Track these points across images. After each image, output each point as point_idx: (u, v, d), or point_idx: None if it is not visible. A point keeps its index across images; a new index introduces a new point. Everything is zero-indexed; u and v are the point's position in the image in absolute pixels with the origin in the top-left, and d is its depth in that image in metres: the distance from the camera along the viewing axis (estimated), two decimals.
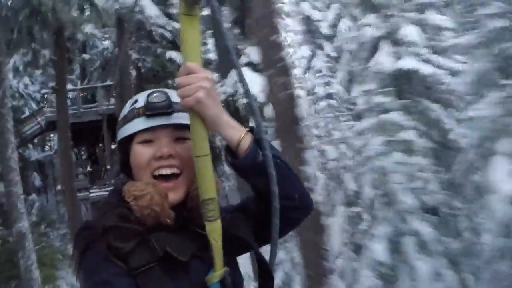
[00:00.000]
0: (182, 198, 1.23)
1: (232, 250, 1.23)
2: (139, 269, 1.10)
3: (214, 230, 1.16)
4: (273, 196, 1.17)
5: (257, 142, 1.18)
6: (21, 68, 17.52)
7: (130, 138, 1.26)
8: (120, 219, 1.16)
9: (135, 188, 1.20)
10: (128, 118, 1.27)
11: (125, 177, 1.32)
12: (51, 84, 15.95)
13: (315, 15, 13.22)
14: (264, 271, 1.26)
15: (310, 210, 1.32)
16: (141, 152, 1.24)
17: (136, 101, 1.28)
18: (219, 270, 1.16)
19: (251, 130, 1.21)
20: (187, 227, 1.23)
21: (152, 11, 13.54)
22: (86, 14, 13.85)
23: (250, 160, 1.16)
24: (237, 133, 1.17)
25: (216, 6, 1.14)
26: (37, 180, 20.51)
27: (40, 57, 12.73)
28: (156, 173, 1.22)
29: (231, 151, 1.19)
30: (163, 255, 1.12)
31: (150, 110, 1.22)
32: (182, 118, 1.22)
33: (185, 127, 1.21)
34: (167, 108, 1.22)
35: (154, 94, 1.24)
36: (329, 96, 10.54)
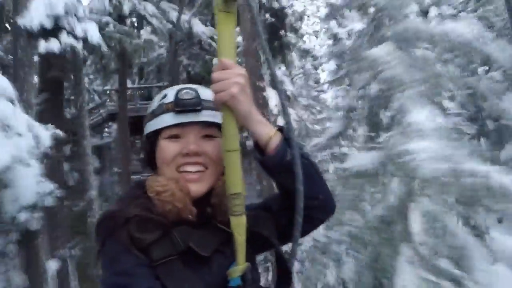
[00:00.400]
0: (205, 191, 1.23)
1: (253, 247, 1.23)
2: (160, 261, 1.10)
3: (239, 224, 1.16)
4: (298, 195, 1.16)
5: (286, 141, 1.18)
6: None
7: (157, 132, 1.26)
8: (143, 210, 1.16)
9: (158, 183, 1.21)
10: (157, 113, 1.27)
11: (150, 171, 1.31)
12: (113, 81, 18.51)
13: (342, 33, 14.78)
14: (283, 270, 1.27)
15: (333, 210, 1.33)
16: (167, 148, 1.24)
17: (165, 96, 1.28)
18: (241, 265, 1.17)
19: (280, 129, 1.21)
20: (209, 223, 1.23)
21: (199, 28, 15.97)
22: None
23: (278, 159, 1.16)
24: (267, 131, 1.17)
25: (253, 3, 1.19)
26: (96, 162, 23.37)
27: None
28: (181, 169, 1.23)
29: (260, 148, 1.19)
30: (185, 249, 1.13)
31: (179, 107, 1.22)
32: (210, 115, 1.23)
33: (213, 125, 1.23)
34: (197, 105, 1.22)
35: (184, 91, 1.24)
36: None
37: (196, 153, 1.22)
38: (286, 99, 1.41)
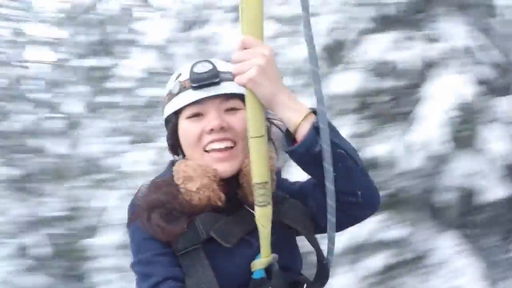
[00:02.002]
0: (235, 170, 1.19)
1: (289, 233, 1.22)
2: (183, 251, 1.10)
3: (264, 215, 1.11)
4: (328, 193, 1.07)
5: (318, 129, 1.04)
6: None
7: (177, 114, 1.20)
8: (168, 199, 1.15)
9: (185, 170, 1.17)
10: (174, 93, 1.20)
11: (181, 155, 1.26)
12: None
13: None
14: (321, 266, 1.22)
15: (375, 207, 1.21)
16: (190, 128, 1.18)
17: (180, 74, 1.22)
18: (265, 257, 1.13)
19: (315, 112, 1.06)
20: (239, 206, 1.18)
21: None
22: None
23: (305, 149, 1.05)
24: (296, 117, 1.06)
25: None
26: None
27: None
28: (208, 148, 1.17)
29: (290, 136, 1.09)
30: (208, 239, 1.11)
31: (196, 82, 1.14)
32: (231, 87, 1.16)
33: (236, 96, 1.17)
34: (214, 78, 1.15)
35: (199, 64, 1.17)
36: None
37: (221, 128, 1.16)
38: (318, 77, 1.08)
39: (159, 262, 1.11)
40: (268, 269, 1.16)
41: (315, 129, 1.05)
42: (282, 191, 1.28)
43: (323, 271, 1.23)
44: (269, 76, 1.03)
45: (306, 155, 1.07)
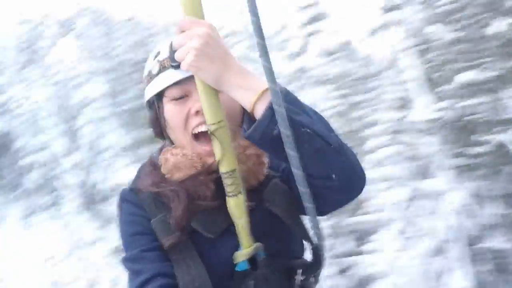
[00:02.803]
0: None
1: (278, 216, 1.13)
2: (170, 244, 1.07)
3: (236, 206, 1.05)
4: (297, 179, 0.96)
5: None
6: None
7: (160, 96, 1.12)
8: (154, 190, 1.11)
9: (172, 160, 1.12)
10: (154, 73, 1.12)
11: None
12: None
13: None
14: (313, 251, 1.15)
15: (356, 190, 1.05)
16: (175, 110, 1.11)
17: (159, 53, 1.13)
18: (246, 248, 1.08)
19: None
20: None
21: None
22: None
23: (260, 134, 0.95)
24: (249, 97, 0.95)
25: None
26: None
27: None
28: (196, 130, 1.10)
29: (250, 117, 0.98)
30: (194, 230, 1.07)
31: (176, 61, 1.02)
32: None
33: None
34: None
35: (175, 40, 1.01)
36: None
37: None
38: (266, 50, 0.92)
39: (147, 258, 1.08)
40: (253, 259, 1.10)
41: (271, 110, 0.93)
42: (273, 169, 1.21)
43: (315, 255, 1.16)
44: (209, 56, 0.96)
45: (263, 139, 0.97)
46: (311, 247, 1.16)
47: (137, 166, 1.26)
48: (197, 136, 1.12)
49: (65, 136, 18.75)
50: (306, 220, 1.16)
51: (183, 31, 0.97)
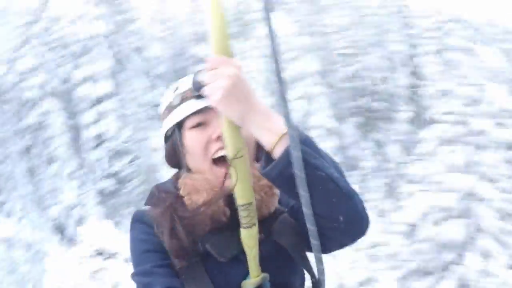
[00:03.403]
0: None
1: (284, 248, 1.19)
2: (183, 264, 1.13)
3: (249, 237, 1.11)
4: (306, 218, 0.99)
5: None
6: None
7: (179, 126, 1.19)
8: (171, 213, 1.15)
9: (192, 183, 1.17)
10: (174, 105, 1.20)
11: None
12: None
13: None
14: (314, 284, 1.22)
15: (360, 233, 1.10)
16: (195, 137, 1.17)
17: (177, 88, 1.22)
18: (254, 277, 1.14)
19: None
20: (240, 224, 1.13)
21: None
22: None
23: (277, 173, 1.00)
24: (270, 138, 1.00)
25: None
26: None
27: None
28: (216, 155, 1.15)
29: (269, 156, 1.03)
30: (205, 252, 1.13)
31: (198, 90, 1.11)
32: None
33: None
34: None
35: (200, 73, 1.13)
36: None
37: None
38: (285, 94, 0.97)
39: (158, 273, 1.13)
40: None
41: (288, 153, 0.97)
42: (282, 205, 1.26)
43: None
44: (236, 96, 0.99)
45: (279, 178, 1.02)
46: (312, 281, 1.22)
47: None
48: (215, 161, 1.17)
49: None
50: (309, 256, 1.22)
51: (212, 69, 1.00)
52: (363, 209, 1.08)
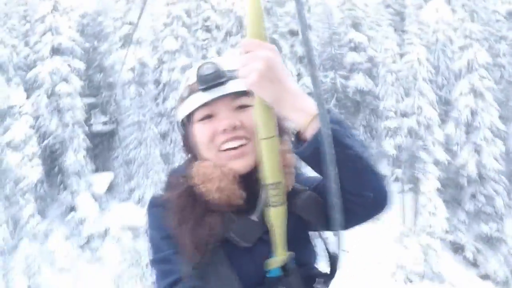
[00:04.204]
0: (251, 166, 1.17)
1: (303, 227, 1.23)
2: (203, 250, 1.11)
3: (278, 215, 1.12)
4: (332, 195, 1.02)
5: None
6: None
7: (189, 117, 1.21)
8: (188, 200, 1.17)
9: (203, 171, 1.17)
10: (184, 97, 1.22)
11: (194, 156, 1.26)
12: None
13: None
14: (331, 261, 1.25)
15: (383, 208, 1.16)
16: (203, 130, 1.18)
17: (188, 78, 1.23)
18: (280, 256, 1.15)
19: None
20: (259, 204, 1.15)
21: None
22: None
23: (311, 152, 1.04)
24: (303, 118, 1.05)
25: None
26: None
27: None
28: (223, 147, 1.17)
29: (300, 135, 1.08)
30: (226, 238, 1.12)
31: (202, 84, 1.15)
32: (238, 85, 1.13)
33: (245, 93, 1.14)
34: (220, 78, 1.14)
35: (204, 66, 1.16)
36: None
37: (233, 127, 1.15)
38: (317, 77, 0.94)
39: (177, 261, 1.12)
40: (284, 267, 1.15)
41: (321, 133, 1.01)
42: (300, 183, 1.25)
43: (333, 264, 1.24)
44: (270, 78, 1.01)
45: (312, 157, 1.05)
46: (329, 256, 1.24)
47: None
48: (223, 152, 1.17)
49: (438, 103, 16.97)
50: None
51: (247, 52, 1.02)
52: (388, 185, 1.14)
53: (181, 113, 1.24)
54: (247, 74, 1.01)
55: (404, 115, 16.76)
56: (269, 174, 1.09)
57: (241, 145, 1.16)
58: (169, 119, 20.24)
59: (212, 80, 1.14)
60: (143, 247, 15.63)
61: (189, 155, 1.28)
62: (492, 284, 15.63)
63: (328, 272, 1.24)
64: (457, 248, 16.30)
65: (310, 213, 1.19)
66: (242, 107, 1.17)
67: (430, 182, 14.79)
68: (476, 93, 16.09)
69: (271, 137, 1.07)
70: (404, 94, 16.75)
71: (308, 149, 1.04)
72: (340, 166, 1.00)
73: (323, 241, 1.26)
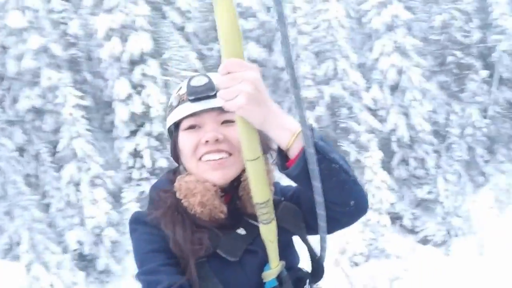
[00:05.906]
0: (229, 179, 1.23)
1: (287, 235, 1.28)
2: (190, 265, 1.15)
3: (270, 231, 1.16)
4: (317, 205, 1.12)
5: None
6: None
7: (177, 125, 1.27)
8: (173, 215, 1.20)
9: (187, 186, 1.21)
10: (174, 106, 1.28)
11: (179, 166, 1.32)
12: None
13: None
14: (315, 262, 1.32)
15: (364, 212, 1.24)
16: (187, 139, 1.24)
17: (180, 88, 1.28)
18: (275, 267, 1.20)
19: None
20: (240, 218, 1.23)
21: None
22: None
23: (299, 171, 1.09)
24: (287, 137, 1.09)
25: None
26: None
27: None
28: (204, 159, 1.22)
29: (283, 154, 1.13)
30: (212, 254, 1.17)
31: (192, 95, 1.20)
32: None
33: None
34: (210, 91, 1.19)
35: (196, 78, 1.21)
36: None
37: (216, 140, 1.19)
38: (300, 97, 1.02)
39: (164, 272, 1.15)
40: (278, 276, 1.22)
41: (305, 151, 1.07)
42: (276, 195, 1.31)
43: (318, 266, 1.32)
44: (258, 100, 1.01)
45: (301, 174, 1.09)
46: (313, 259, 1.32)
47: None
48: (203, 162, 1.22)
49: None
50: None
51: (229, 72, 0.98)
52: (365, 190, 1.22)
53: (170, 121, 1.29)
54: (233, 96, 0.98)
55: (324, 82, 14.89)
56: (258, 194, 1.12)
57: (221, 158, 1.20)
58: None
59: (201, 92, 1.20)
60: None
61: (178, 164, 1.33)
62: (433, 246, 14.95)
63: (314, 274, 1.33)
64: (394, 219, 15.30)
65: (288, 222, 1.26)
66: (228, 121, 1.23)
67: (373, 153, 13.28)
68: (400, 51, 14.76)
69: (256, 158, 1.08)
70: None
71: (296, 169, 1.09)
72: (325, 180, 1.08)
73: (307, 246, 1.30)
